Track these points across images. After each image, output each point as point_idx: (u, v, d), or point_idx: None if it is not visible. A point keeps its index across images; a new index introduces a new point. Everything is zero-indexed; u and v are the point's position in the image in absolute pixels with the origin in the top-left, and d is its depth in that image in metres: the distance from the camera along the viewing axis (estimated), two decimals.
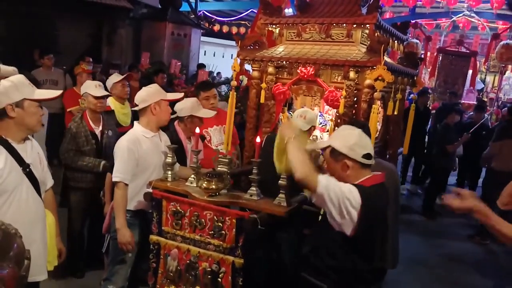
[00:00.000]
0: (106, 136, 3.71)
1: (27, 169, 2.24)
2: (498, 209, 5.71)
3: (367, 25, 3.44)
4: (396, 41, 4.05)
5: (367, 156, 2.16)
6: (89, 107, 3.68)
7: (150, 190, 2.82)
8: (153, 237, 2.81)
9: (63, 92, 4.21)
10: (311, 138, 3.66)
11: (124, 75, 4.63)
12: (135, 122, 3.07)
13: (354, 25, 3.48)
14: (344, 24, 3.52)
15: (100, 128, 3.71)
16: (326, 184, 2.02)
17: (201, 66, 10.33)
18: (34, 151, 2.34)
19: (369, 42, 3.38)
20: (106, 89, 4.09)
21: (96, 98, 3.63)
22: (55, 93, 2.44)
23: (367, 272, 2.17)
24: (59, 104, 5.32)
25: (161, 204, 2.75)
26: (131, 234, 2.90)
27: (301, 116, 3.30)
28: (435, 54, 11.68)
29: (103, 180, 3.50)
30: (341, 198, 2.00)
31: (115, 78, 4.51)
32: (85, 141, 3.59)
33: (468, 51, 11.33)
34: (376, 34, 3.45)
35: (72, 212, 3.77)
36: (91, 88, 3.67)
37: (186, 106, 3.40)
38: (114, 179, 2.90)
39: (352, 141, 2.14)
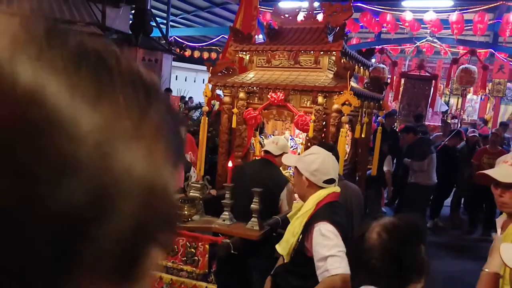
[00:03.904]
0: None
1: None
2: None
3: (334, 52, 3.57)
4: (361, 67, 4.20)
5: (328, 181, 2.23)
6: None
7: None
8: None
9: None
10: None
11: None
12: None
13: (321, 52, 3.60)
14: (312, 51, 3.64)
15: None
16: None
17: (168, 90, 10.35)
18: None
19: (335, 68, 3.51)
20: None
21: None
22: None
23: None
24: None
25: None
26: None
27: (273, 142, 3.35)
28: (397, 78, 12.09)
29: None
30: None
31: None
32: None
33: (429, 75, 11.77)
34: (342, 60, 3.59)
35: None
36: None
37: None
38: None
39: (314, 167, 2.20)
